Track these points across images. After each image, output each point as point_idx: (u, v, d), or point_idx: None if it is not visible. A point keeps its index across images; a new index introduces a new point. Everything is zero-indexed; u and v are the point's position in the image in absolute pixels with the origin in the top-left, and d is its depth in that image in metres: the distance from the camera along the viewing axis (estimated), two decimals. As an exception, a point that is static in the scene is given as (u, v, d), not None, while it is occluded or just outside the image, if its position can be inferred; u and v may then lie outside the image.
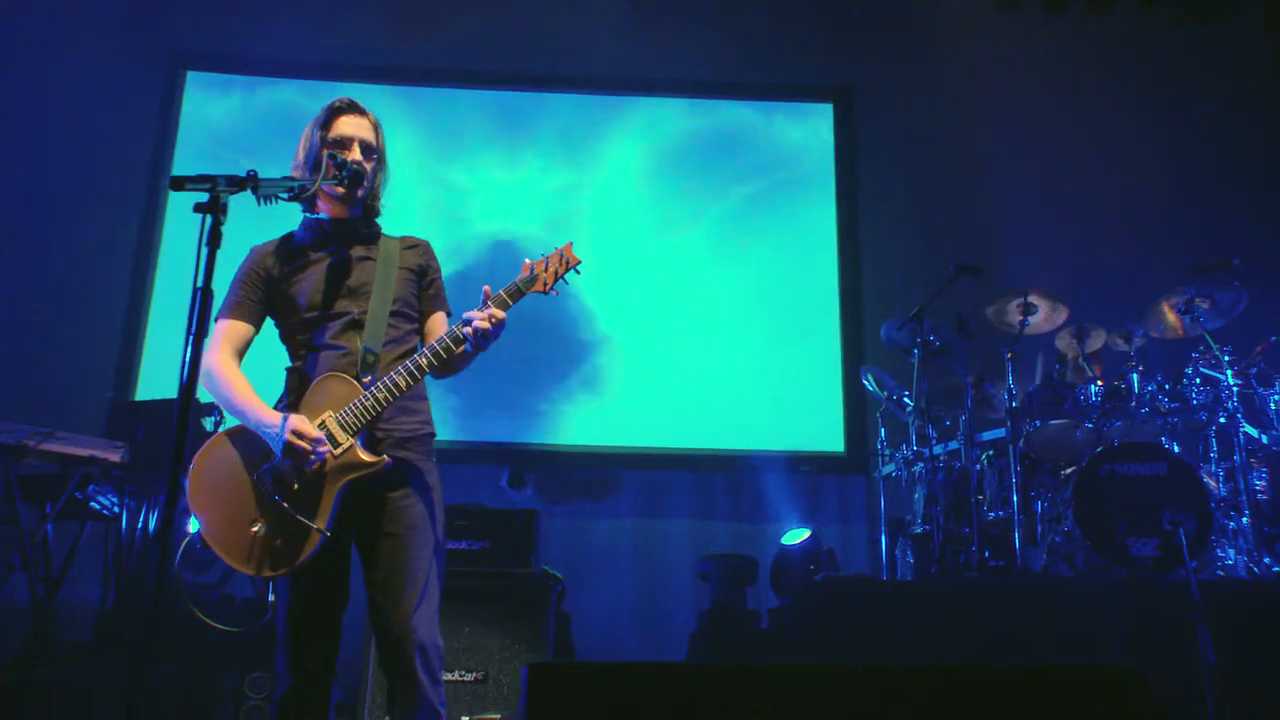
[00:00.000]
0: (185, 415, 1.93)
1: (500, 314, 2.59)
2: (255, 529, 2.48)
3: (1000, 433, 4.87)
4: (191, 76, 6.79)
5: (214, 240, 2.00)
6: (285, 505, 2.49)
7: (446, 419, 6.29)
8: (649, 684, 1.23)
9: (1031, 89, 6.86)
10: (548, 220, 6.74)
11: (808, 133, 7.06)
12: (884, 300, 6.39)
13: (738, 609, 5.50)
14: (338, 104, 2.78)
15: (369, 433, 2.61)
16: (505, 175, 6.86)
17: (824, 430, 6.49)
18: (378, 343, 2.66)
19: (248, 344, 2.72)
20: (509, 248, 6.65)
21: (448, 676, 4.11)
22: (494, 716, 4.14)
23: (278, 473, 2.52)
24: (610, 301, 6.64)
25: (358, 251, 2.76)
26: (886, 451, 5.44)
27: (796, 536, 5.69)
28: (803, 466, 6.35)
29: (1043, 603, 4.14)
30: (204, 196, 2.09)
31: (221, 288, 2.44)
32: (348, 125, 2.75)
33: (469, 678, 4.20)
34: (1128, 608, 4.14)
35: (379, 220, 2.87)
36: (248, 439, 2.57)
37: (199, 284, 1.94)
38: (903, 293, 5.82)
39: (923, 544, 5.02)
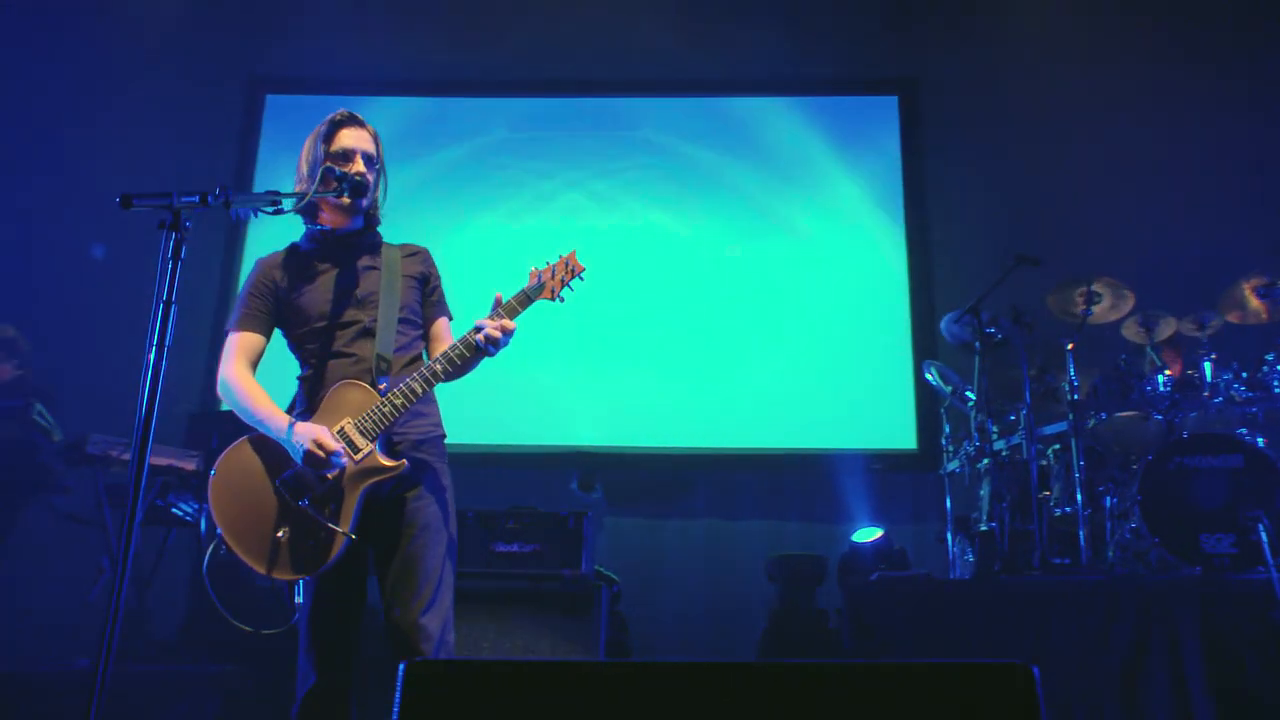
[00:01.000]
0: (149, 424, 2.03)
1: (511, 324, 2.67)
2: (280, 534, 2.58)
3: (1062, 426, 4.71)
4: (270, 99, 7.06)
5: (176, 255, 2.09)
6: (310, 510, 2.59)
7: (514, 424, 6.40)
8: (523, 682, 1.26)
9: (1098, 73, 6.64)
10: (614, 221, 6.80)
11: (873, 126, 6.95)
12: (956, 293, 6.25)
13: (805, 609, 5.47)
14: (338, 117, 2.86)
15: (387, 437, 2.69)
16: (574, 174, 6.93)
17: (896, 427, 6.38)
18: (389, 349, 2.74)
19: (260, 354, 2.82)
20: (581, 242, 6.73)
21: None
22: None
23: (300, 479, 2.62)
24: (677, 302, 6.66)
25: (363, 261, 2.85)
26: (950, 448, 5.33)
27: (867, 535, 5.63)
28: (875, 465, 6.25)
29: (1105, 602, 4.00)
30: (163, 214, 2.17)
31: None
32: (349, 138, 2.83)
33: (522, 678, 4.27)
34: (1200, 609, 3.97)
35: (380, 229, 2.96)
36: (269, 445, 2.66)
37: (163, 298, 2.04)
38: (973, 285, 5.68)
39: (989, 542, 4.90)
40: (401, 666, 1.26)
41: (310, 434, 2.59)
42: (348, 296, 2.79)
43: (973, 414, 5.06)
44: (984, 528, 4.97)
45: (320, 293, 2.79)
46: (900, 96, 7.02)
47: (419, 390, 2.66)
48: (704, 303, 6.66)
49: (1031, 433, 4.67)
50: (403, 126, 7.05)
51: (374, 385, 2.69)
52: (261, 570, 2.56)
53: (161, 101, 6.77)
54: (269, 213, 2.46)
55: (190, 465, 4.96)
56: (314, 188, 2.71)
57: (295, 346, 2.84)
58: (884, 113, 6.99)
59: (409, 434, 2.75)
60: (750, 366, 6.52)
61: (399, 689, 1.25)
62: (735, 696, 1.22)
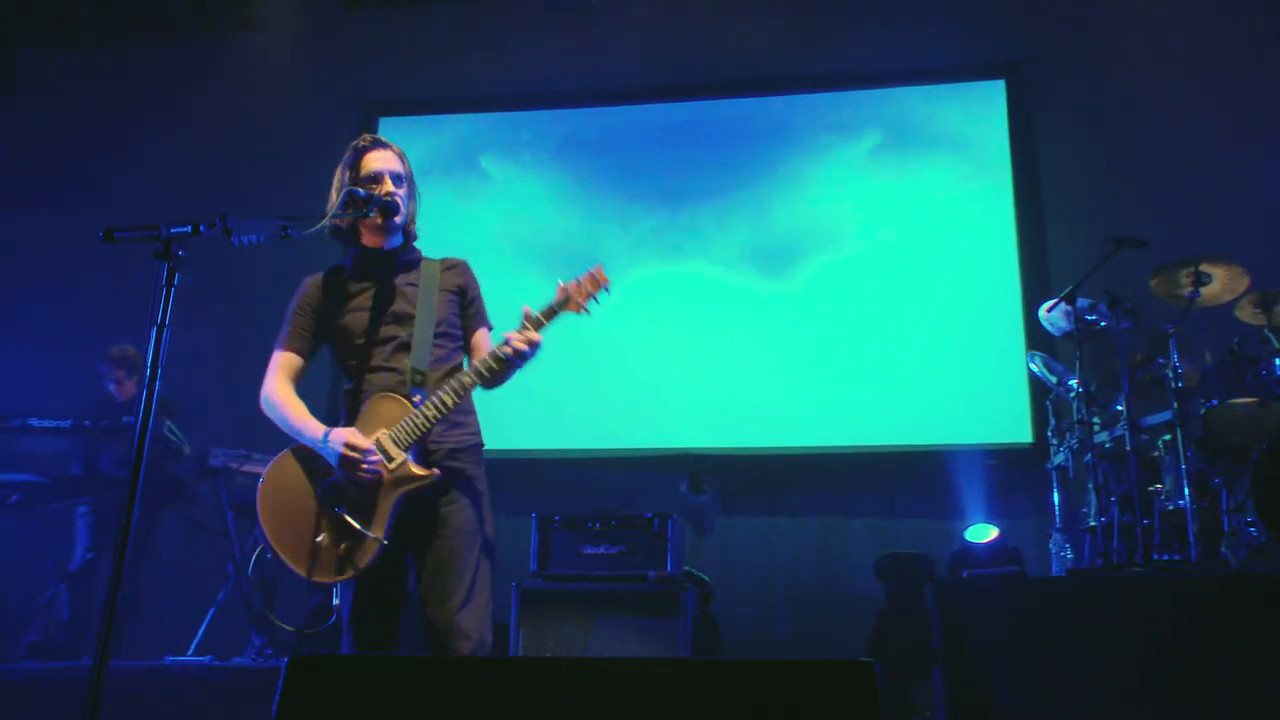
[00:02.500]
0: (143, 439, 2.18)
1: (536, 336, 2.78)
2: (319, 539, 2.73)
3: (1166, 415, 4.47)
4: (382, 121, 7.37)
5: (170, 283, 2.24)
6: (345, 516, 2.74)
7: (624, 428, 6.49)
8: (404, 677, 1.32)
9: (1213, 45, 6.27)
10: (726, 220, 6.82)
11: (979, 112, 6.74)
12: (1069, 280, 6.00)
13: (910, 607, 5.37)
14: (362, 143, 3.01)
15: (421, 447, 2.82)
16: (682, 183, 6.97)
17: (1011, 421, 6.18)
18: (424, 362, 2.87)
19: (301, 372, 2.99)
20: (694, 243, 6.80)
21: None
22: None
23: (338, 486, 2.77)
24: (786, 300, 6.62)
25: (401, 279, 2.99)
26: (1054, 441, 5.13)
27: (980, 533, 5.49)
28: (989, 459, 6.06)
29: (1207, 601, 3.78)
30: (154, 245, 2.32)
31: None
32: (377, 160, 2.97)
33: (610, 678, 4.36)
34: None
35: (418, 244, 3.10)
36: (310, 456, 2.83)
37: (158, 323, 2.19)
38: (1083, 271, 5.48)
39: (1097, 538, 4.71)
40: (283, 661, 1.33)
41: (343, 437, 2.74)
42: (385, 313, 2.93)
43: (1074, 405, 4.86)
44: (1092, 523, 4.78)
45: (360, 311, 2.94)
46: (1008, 80, 6.78)
47: (450, 402, 2.78)
48: (813, 300, 6.60)
49: (1133, 423, 4.45)
50: (509, 137, 7.26)
51: (409, 398, 2.81)
52: (302, 573, 2.72)
53: (280, 130, 7.16)
54: (281, 237, 2.58)
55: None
56: (333, 212, 2.85)
57: (341, 361, 3.00)
58: (990, 98, 6.76)
59: (445, 443, 2.87)
60: (861, 363, 6.42)
61: (280, 682, 1.33)
62: (595, 695, 1.25)
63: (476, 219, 7.07)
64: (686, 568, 4.72)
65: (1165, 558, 4.31)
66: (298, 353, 2.98)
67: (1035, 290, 6.27)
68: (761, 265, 6.71)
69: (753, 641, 5.85)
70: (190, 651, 5.03)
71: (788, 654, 5.94)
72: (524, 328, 2.77)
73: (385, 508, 2.74)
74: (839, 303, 6.55)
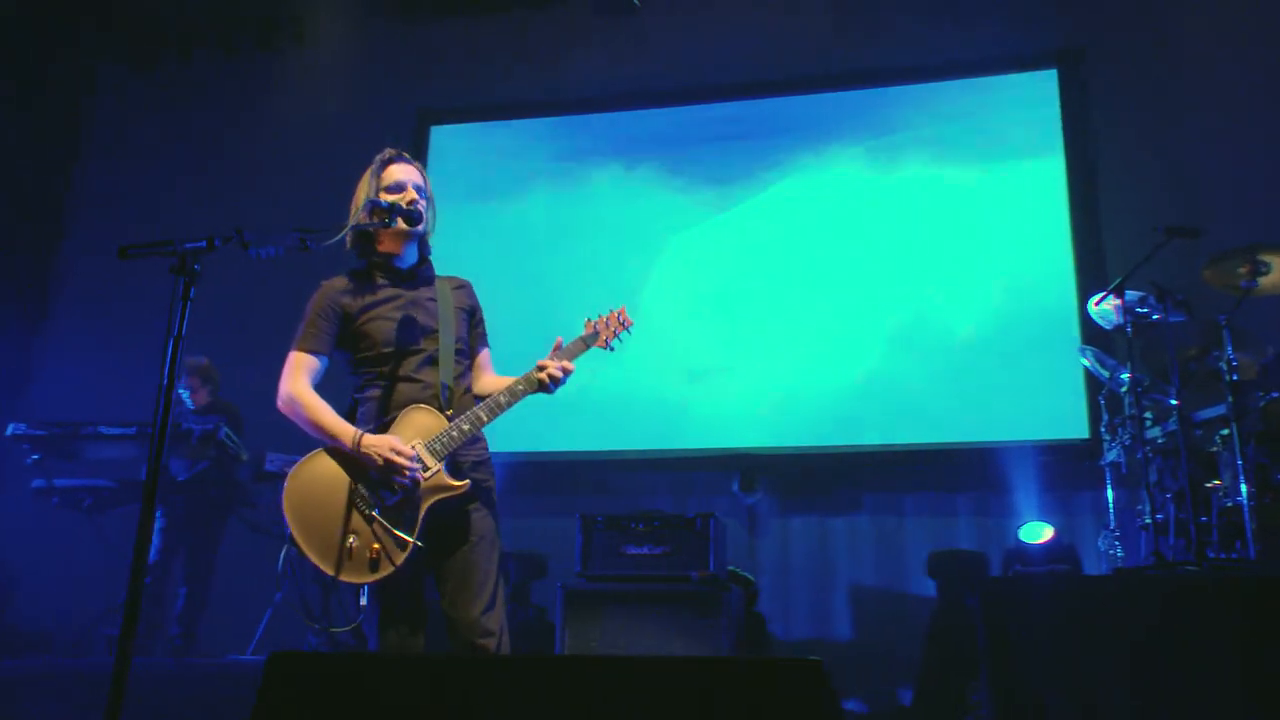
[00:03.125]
0: (161, 444, 2.26)
1: (571, 366, 2.98)
2: (350, 540, 2.80)
3: (1220, 409, 4.34)
4: (435, 130, 7.50)
5: (186, 296, 2.32)
6: (381, 519, 2.82)
7: (679, 427, 6.51)
8: (375, 675, 1.35)
9: (1275, 25, 6.06)
10: (772, 218, 6.82)
11: (1030, 104, 6.62)
12: (1123, 273, 5.87)
13: (963, 606, 5.30)
14: (386, 156, 3.11)
15: (452, 459, 2.91)
16: (732, 181, 6.97)
17: (1067, 416, 6.06)
18: (451, 378, 2.98)
19: (318, 374, 3.04)
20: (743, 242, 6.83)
21: (634, 675, 4.34)
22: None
23: (374, 490, 2.85)
24: (835, 297, 6.58)
25: (424, 292, 3.08)
26: (1107, 437, 5.02)
27: (1034, 532, 5.40)
28: (1045, 455, 5.96)
29: (1264, 602, 3.66)
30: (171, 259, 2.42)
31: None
32: (400, 172, 3.07)
33: (653, 677, 4.38)
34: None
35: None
36: (343, 456, 2.89)
37: (174, 334, 2.27)
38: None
39: (1152, 536, 4.59)
40: (263, 658, 1.38)
41: (388, 443, 2.82)
42: (414, 325, 3.02)
43: (1127, 400, 4.75)
44: (1147, 520, 4.67)
45: (384, 320, 3.01)
46: (1060, 69, 6.65)
47: (485, 419, 2.94)
48: (866, 298, 6.55)
49: (1184, 418, 4.34)
50: (566, 145, 7.33)
51: (442, 411, 2.93)
52: (330, 572, 2.78)
53: (338, 141, 7.32)
54: (300, 250, 2.65)
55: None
56: (354, 219, 2.94)
57: (358, 367, 3.06)
58: (1041, 89, 6.64)
59: (469, 457, 3.00)
60: (915, 359, 6.36)
61: (263, 678, 1.37)
62: (555, 692, 1.27)
63: (525, 221, 7.15)
64: (731, 567, 4.72)
65: (1222, 556, 4.19)
66: (317, 354, 3.04)
67: (1090, 283, 6.12)
68: (812, 263, 6.68)
69: (808, 641, 5.84)
70: (249, 650, 5.18)
71: (844, 652, 5.93)
72: (557, 356, 2.97)
73: (418, 514, 2.84)
74: (892, 300, 6.49)
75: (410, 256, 3.12)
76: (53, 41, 7.59)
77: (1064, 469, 5.85)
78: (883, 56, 6.93)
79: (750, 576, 4.86)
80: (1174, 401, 4.68)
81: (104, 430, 5.33)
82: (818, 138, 6.93)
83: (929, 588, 5.75)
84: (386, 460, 2.79)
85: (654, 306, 6.74)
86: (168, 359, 2.32)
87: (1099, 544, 4.65)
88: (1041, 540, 5.12)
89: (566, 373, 2.95)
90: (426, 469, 2.85)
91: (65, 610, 5.95)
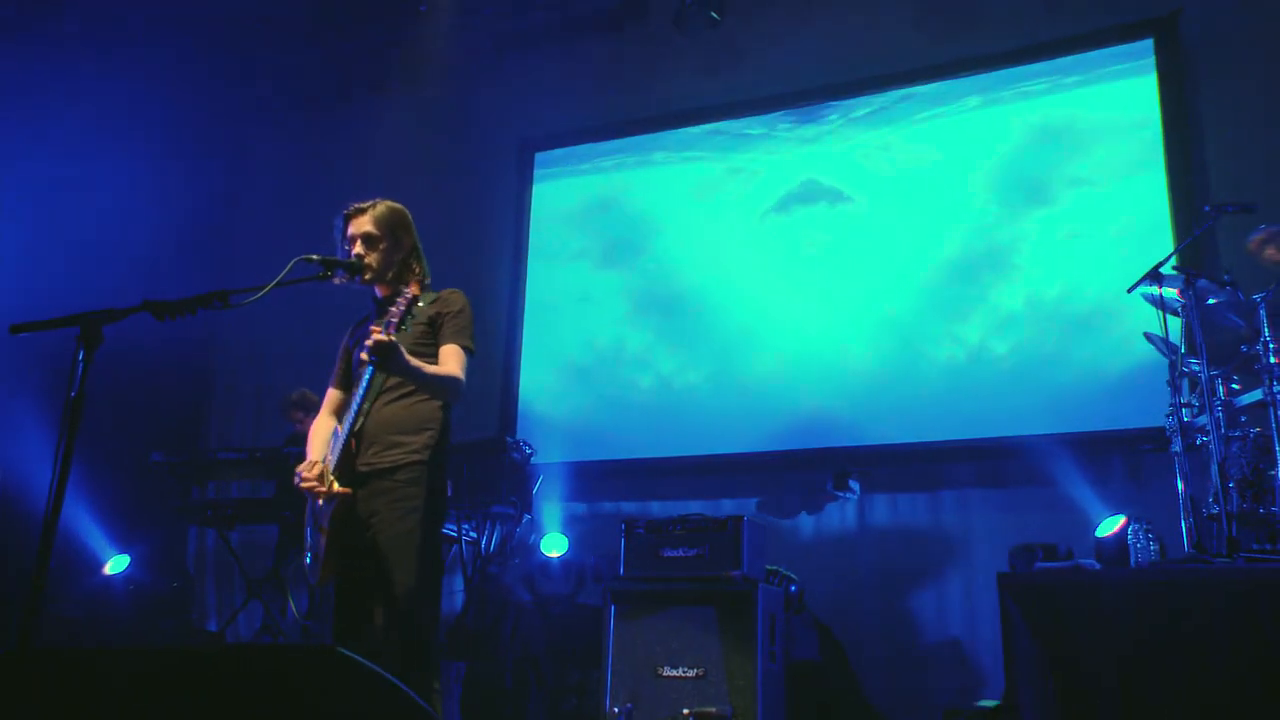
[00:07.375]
0: (57, 510, 2.51)
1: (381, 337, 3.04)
2: (315, 548, 3.20)
3: (1257, 394, 4.07)
4: (538, 156, 7.88)
5: (88, 361, 2.59)
6: (316, 532, 3.19)
7: (762, 430, 6.61)
8: (104, 669, 1.59)
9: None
10: (878, 216, 6.84)
11: (1124, 78, 6.33)
12: (1229, 259, 5.52)
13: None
14: (346, 212, 3.45)
15: (350, 468, 3.18)
16: (826, 176, 7.02)
17: (1150, 405, 5.75)
18: (375, 393, 3.24)
19: (342, 405, 3.43)
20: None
21: (672, 673, 4.55)
22: (711, 709, 4.44)
23: (313, 508, 3.22)
24: (920, 294, 6.52)
25: (388, 315, 3.33)
26: (1173, 423, 4.75)
27: (1110, 526, 5.20)
28: (1142, 445, 5.68)
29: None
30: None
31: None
32: (351, 227, 3.41)
33: (690, 674, 4.54)
34: None
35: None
36: None
37: (76, 391, 2.54)
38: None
39: (1221, 526, 4.34)
40: None
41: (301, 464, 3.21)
42: (361, 348, 3.31)
43: (1184, 385, 4.51)
44: (1215, 510, 4.42)
45: (357, 348, 3.34)
46: (1156, 38, 6.31)
47: (356, 427, 3.18)
48: (951, 292, 6.46)
49: (1227, 404, 4.10)
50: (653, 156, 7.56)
51: (340, 424, 3.26)
52: (310, 577, 3.24)
53: (448, 174, 7.85)
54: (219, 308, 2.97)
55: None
56: (282, 278, 3.18)
57: None
58: (1135, 61, 6.33)
59: (377, 463, 3.21)
60: (998, 351, 6.24)
61: None
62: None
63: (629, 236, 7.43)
64: (770, 566, 4.80)
65: (1267, 547, 3.94)
66: (339, 388, 3.50)
67: (1193, 267, 5.79)
68: (900, 262, 6.63)
69: (877, 638, 5.82)
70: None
71: (906, 651, 5.89)
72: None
73: (326, 524, 3.15)
74: (976, 291, 6.39)
75: (378, 292, 3.46)
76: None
77: (1150, 459, 5.59)
78: (972, 45, 6.80)
79: (792, 575, 4.92)
80: (1236, 384, 4.45)
81: (220, 456, 6.01)
82: (913, 132, 6.86)
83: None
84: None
85: (760, 299, 6.92)
86: (66, 420, 2.48)
87: (1128, 538, 4.43)
88: (1112, 533, 4.91)
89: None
90: (325, 482, 3.15)
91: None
